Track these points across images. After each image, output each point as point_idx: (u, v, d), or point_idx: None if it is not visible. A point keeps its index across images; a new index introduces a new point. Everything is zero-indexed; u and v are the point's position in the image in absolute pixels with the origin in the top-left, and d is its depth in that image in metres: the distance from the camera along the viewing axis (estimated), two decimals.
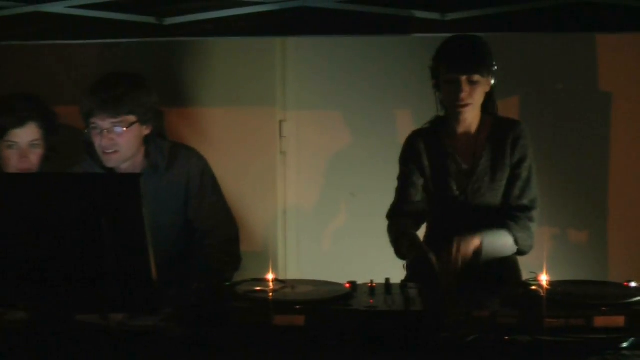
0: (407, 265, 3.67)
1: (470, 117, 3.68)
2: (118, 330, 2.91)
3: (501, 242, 3.60)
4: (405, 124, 4.69)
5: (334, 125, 5.01)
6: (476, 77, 3.56)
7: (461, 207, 3.68)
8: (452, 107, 3.64)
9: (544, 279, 3.04)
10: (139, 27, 4.19)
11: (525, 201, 3.67)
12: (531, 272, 3.14)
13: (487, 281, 3.31)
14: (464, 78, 3.55)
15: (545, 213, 4.81)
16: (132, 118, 3.62)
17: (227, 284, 3.22)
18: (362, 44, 4.79)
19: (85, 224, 2.74)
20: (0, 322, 2.98)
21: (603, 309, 2.85)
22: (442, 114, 3.75)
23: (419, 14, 4.08)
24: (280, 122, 4.99)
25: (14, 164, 3.76)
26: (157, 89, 3.78)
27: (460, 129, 3.71)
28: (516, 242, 3.62)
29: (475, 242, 3.49)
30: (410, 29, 4.05)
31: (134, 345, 2.84)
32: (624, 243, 4.92)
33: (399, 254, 3.64)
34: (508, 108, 4.93)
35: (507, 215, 3.65)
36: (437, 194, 3.72)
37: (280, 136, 4.99)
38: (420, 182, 3.75)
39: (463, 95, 3.57)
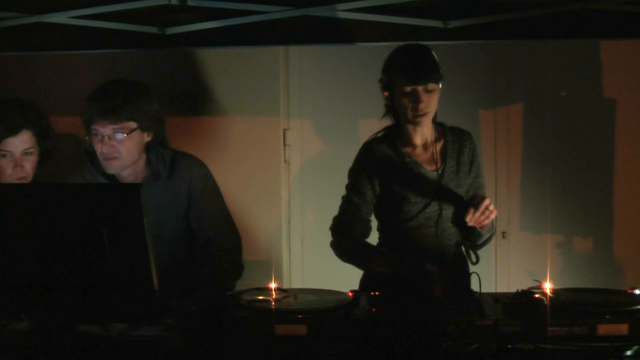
0: (363, 279, 3.78)
1: (427, 126, 3.69)
2: (120, 340, 2.90)
3: (494, 224, 3.66)
4: None
5: (337, 134, 5.02)
6: (431, 86, 3.57)
7: (433, 213, 3.67)
8: (411, 117, 3.62)
9: (547, 286, 3.04)
10: (141, 37, 4.20)
11: None
12: (534, 280, 3.14)
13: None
14: (420, 88, 3.56)
15: (549, 220, 4.83)
16: (132, 124, 3.62)
17: (229, 293, 3.21)
18: (365, 52, 4.79)
19: (87, 234, 2.74)
20: (3, 332, 2.97)
21: (607, 316, 2.84)
22: (393, 123, 3.75)
23: (422, 22, 4.09)
24: (284, 130, 4.99)
25: (9, 173, 3.74)
26: (160, 98, 3.78)
27: (418, 139, 3.71)
28: (493, 233, 3.70)
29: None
30: (413, 37, 4.05)
31: (135, 355, 2.84)
32: (629, 250, 4.91)
33: (370, 269, 3.68)
34: (512, 115, 4.94)
35: None
36: (404, 204, 3.68)
37: (284, 145, 4.99)
38: (372, 197, 3.72)
39: (421, 105, 3.57)
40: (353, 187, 3.75)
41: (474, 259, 3.68)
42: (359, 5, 4.10)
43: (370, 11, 4.10)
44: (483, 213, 3.44)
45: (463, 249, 3.72)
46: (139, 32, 4.19)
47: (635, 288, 3.14)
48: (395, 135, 3.74)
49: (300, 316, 2.88)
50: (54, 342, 2.86)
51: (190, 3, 4.13)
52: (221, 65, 4.90)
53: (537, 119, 4.96)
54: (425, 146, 3.71)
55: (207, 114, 4.95)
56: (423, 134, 3.70)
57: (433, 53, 3.63)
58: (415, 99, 3.57)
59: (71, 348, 2.85)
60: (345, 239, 3.72)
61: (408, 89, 3.57)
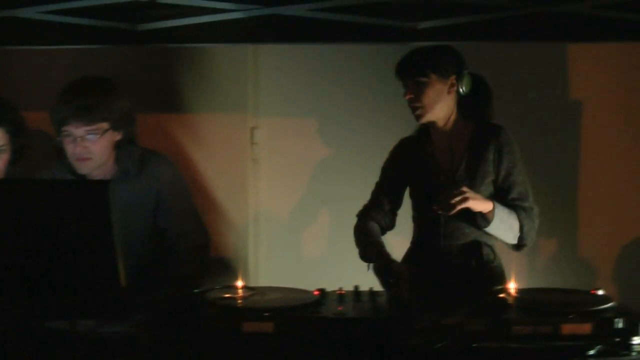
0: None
1: (440, 120, 3.72)
2: (87, 337, 2.90)
3: (510, 220, 3.62)
4: (377, 131, 4.71)
5: (305, 133, 5.02)
6: (421, 79, 3.63)
7: (436, 212, 3.65)
8: (412, 112, 3.70)
9: (512, 286, 3.06)
10: (111, 33, 4.17)
11: (526, 203, 3.68)
12: None
13: (475, 290, 3.31)
14: (410, 82, 3.66)
15: None
16: (105, 125, 3.61)
17: (197, 290, 3.22)
18: (334, 52, 4.80)
19: (54, 231, 2.73)
20: None
21: (570, 316, 2.87)
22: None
23: (391, 22, 4.10)
24: (252, 129, 4.98)
25: None
26: (129, 95, 3.77)
27: (437, 133, 3.76)
28: (522, 228, 3.63)
29: (488, 204, 3.53)
30: (383, 37, 4.06)
31: (103, 352, 2.84)
32: (593, 251, 4.95)
33: (364, 257, 3.68)
34: None
35: (513, 207, 3.66)
36: (421, 198, 3.75)
37: (252, 143, 4.98)
38: (395, 192, 3.82)
39: (408, 97, 3.67)
40: (379, 178, 3.88)
41: (490, 257, 3.69)
42: (330, 5, 4.10)
43: (340, 11, 4.10)
44: (452, 198, 3.45)
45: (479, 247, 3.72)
46: (109, 28, 4.17)
47: (599, 289, 3.17)
48: (423, 131, 3.80)
49: (267, 314, 2.89)
50: (22, 339, 2.85)
51: (161, 0, 4.12)
52: (191, 63, 4.89)
53: (503, 120, 4.95)
54: (447, 142, 3.73)
55: (176, 112, 4.93)
56: (443, 130, 3.74)
57: (439, 49, 3.74)
58: (405, 92, 3.68)
59: (39, 345, 2.84)
60: (358, 225, 3.82)
61: (402, 83, 3.70)
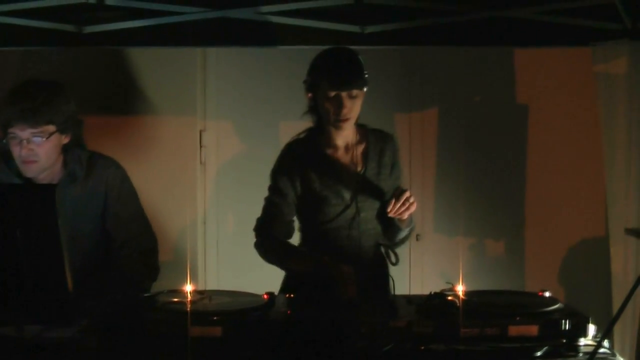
0: (284, 281, 3.79)
1: (349, 129, 3.70)
2: (33, 343, 2.86)
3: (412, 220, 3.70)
4: None
5: (253, 135, 5.02)
6: (355, 92, 3.58)
7: (351, 216, 3.68)
8: (333, 121, 3.62)
9: (460, 288, 3.08)
10: (58, 35, 4.15)
11: None
12: (447, 282, 3.18)
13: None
14: (344, 94, 3.56)
15: (462, 223, 4.90)
16: (51, 128, 3.58)
17: (145, 295, 3.20)
18: (283, 55, 4.81)
19: (0, 235, 2.70)
20: None
21: (517, 318, 2.90)
22: (315, 125, 3.75)
23: (339, 26, 4.12)
24: (200, 131, 4.98)
25: None
26: (76, 97, 3.73)
27: (340, 140, 3.72)
28: (410, 231, 3.73)
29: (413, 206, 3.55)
30: (330, 41, 4.07)
31: (49, 358, 2.81)
32: (540, 253, 5.01)
33: (290, 270, 3.70)
34: (427, 120, 5.00)
35: None
36: (324, 206, 3.69)
37: (200, 146, 4.97)
38: (293, 199, 3.73)
39: (345, 110, 3.57)
40: (275, 188, 3.73)
41: (393, 259, 3.72)
42: (278, 9, 4.11)
43: (288, 15, 4.12)
44: (403, 204, 3.46)
45: (382, 249, 3.75)
46: (55, 30, 4.15)
47: (545, 290, 3.20)
48: (317, 136, 3.74)
49: (215, 318, 2.88)
50: None
51: (108, 2, 4.10)
52: (139, 66, 4.87)
53: (451, 124, 5.02)
54: (346, 148, 3.73)
55: (124, 114, 4.91)
56: (345, 136, 3.71)
57: (359, 58, 3.63)
58: (339, 104, 3.56)
59: None
60: (267, 240, 3.71)
61: (332, 94, 3.56)
